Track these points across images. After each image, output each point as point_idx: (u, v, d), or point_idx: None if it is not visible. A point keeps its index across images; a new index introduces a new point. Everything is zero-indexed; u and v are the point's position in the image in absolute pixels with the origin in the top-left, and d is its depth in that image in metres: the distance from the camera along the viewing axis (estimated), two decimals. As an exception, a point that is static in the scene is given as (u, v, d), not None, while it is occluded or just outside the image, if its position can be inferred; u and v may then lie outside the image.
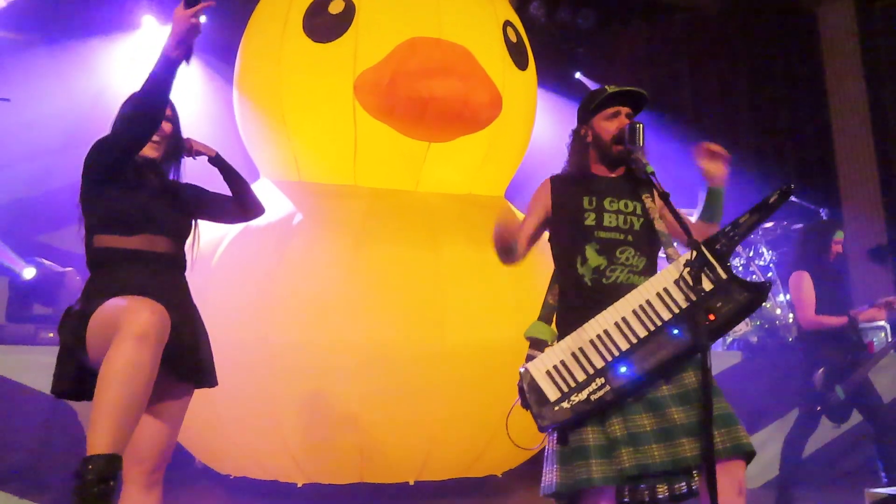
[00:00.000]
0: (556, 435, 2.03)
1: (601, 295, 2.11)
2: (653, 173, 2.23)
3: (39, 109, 5.59)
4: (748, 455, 2.03)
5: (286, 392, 3.91)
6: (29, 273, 4.65)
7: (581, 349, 1.99)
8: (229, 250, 4.20)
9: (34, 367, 3.92)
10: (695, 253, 1.99)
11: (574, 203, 2.26)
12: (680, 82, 8.05)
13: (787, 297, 5.48)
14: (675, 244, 2.24)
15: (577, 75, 7.70)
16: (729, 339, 5.04)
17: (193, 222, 2.42)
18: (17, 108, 5.02)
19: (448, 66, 4.29)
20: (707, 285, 2.01)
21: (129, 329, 1.79)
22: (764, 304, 5.25)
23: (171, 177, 2.41)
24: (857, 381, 3.72)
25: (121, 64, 6.25)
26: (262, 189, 4.83)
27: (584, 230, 2.21)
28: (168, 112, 2.33)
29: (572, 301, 2.20)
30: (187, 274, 2.36)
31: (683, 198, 5.72)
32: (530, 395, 1.98)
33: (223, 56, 6.10)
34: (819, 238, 4.03)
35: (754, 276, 5.50)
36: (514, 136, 4.97)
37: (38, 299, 4.72)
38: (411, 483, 4.13)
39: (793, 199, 5.82)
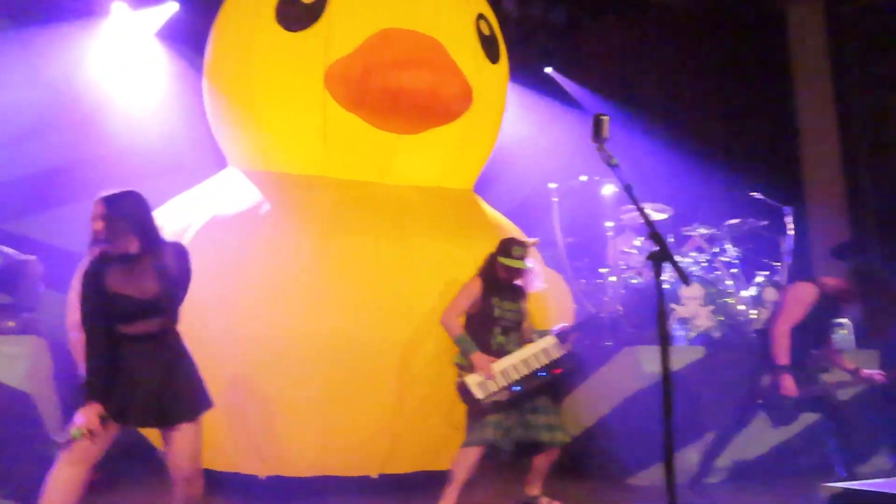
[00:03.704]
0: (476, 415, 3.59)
1: (503, 355, 3.70)
2: (617, 165, 2.50)
3: (5, 96, 5.48)
4: (560, 444, 3.75)
5: (250, 382, 3.89)
6: (-11, 260, 4.54)
7: (494, 374, 3.59)
8: (196, 240, 4.15)
9: (-10, 355, 3.85)
10: (554, 341, 3.80)
11: (490, 302, 3.76)
12: (650, 78, 8.11)
13: (751, 293, 5.57)
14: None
15: (548, 70, 7.72)
16: (692, 334, 5.11)
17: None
18: (-18, 93, 4.91)
19: (420, 59, 4.28)
20: (559, 353, 3.77)
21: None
22: (727, 299, 5.34)
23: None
24: (816, 392, 3.78)
25: (89, 51, 6.15)
26: (229, 177, 4.79)
27: (495, 319, 3.75)
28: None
29: None
30: None
31: (649, 190, 5.81)
32: (465, 394, 3.54)
33: (193, 44, 6.02)
34: (865, 285, 3.92)
35: (718, 272, 5.57)
36: (484, 129, 4.98)
37: (-1, 287, 4.63)
38: (374, 476, 4.14)
39: (757, 196, 5.93)
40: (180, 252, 2.86)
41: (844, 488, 2.74)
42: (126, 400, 2.70)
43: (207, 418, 3.91)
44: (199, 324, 3.81)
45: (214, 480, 4.16)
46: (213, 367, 3.86)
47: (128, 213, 2.75)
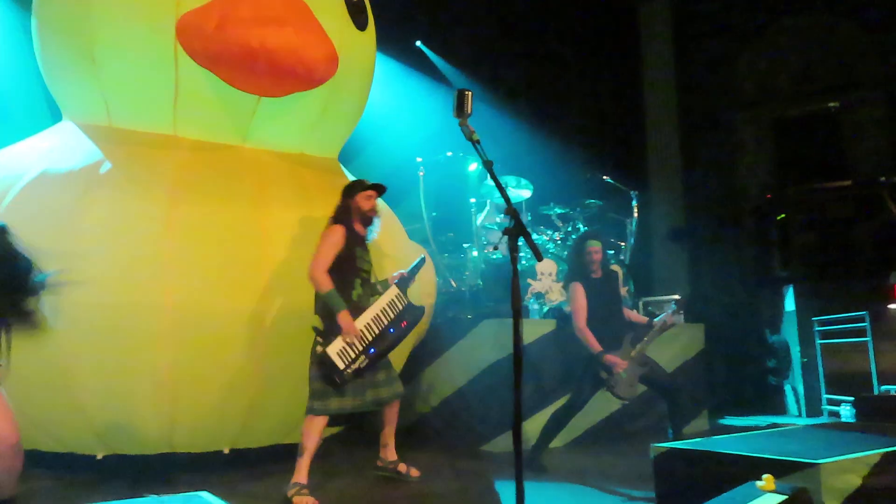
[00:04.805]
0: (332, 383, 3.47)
1: (360, 311, 3.59)
2: (478, 142, 2.58)
3: None
4: (399, 395, 3.78)
5: (85, 358, 3.58)
6: None
7: (353, 339, 3.49)
8: (23, 197, 3.74)
9: None
10: (397, 292, 3.76)
11: (353, 251, 3.67)
12: (515, 62, 8.31)
13: None
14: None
15: (417, 43, 7.69)
16: (546, 309, 5.33)
17: None
18: None
19: (282, 17, 4.06)
20: (403, 304, 3.73)
21: None
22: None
23: None
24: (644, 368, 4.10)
25: None
26: (64, 131, 4.33)
27: (357, 269, 3.68)
28: None
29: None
30: None
31: (510, 166, 5.97)
32: (328, 366, 3.41)
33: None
34: (576, 254, 4.36)
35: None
36: (350, 97, 4.84)
37: None
38: (226, 451, 3.97)
39: (608, 180, 6.27)
40: None
41: (670, 447, 3.00)
42: None
43: (36, 395, 3.57)
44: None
45: (45, 462, 3.81)
46: (41, 339, 3.50)
47: None
